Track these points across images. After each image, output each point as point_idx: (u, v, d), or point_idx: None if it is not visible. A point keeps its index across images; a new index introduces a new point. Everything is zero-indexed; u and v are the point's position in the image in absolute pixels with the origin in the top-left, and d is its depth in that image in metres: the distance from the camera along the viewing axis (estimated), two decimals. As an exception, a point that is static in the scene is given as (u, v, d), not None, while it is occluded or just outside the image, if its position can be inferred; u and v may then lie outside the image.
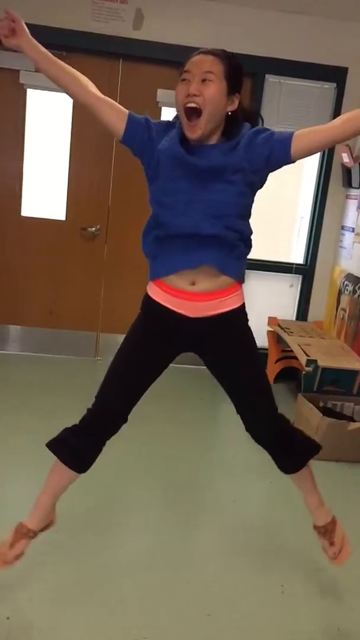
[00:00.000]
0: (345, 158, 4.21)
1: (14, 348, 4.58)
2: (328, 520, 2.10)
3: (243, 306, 1.91)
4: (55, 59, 1.73)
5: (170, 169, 1.72)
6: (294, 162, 1.74)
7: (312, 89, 4.27)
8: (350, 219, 4.36)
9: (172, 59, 4.12)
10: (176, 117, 1.77)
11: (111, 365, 1.91)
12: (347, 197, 4.41)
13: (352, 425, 3.25)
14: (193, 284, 1.79)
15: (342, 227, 4.45)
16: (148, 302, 1.86)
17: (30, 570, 2.14)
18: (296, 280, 4.66)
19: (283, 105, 4.27)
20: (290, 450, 2.01)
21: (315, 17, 4.08)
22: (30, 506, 2.62)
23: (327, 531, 2.08)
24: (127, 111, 1.78)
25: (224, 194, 1.70)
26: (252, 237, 1.87)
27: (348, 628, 2.04)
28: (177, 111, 1.71)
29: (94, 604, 2.01)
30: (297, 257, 4.67)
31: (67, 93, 1.76)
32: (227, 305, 1.84)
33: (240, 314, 1.89)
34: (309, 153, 1.75)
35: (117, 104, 1.79)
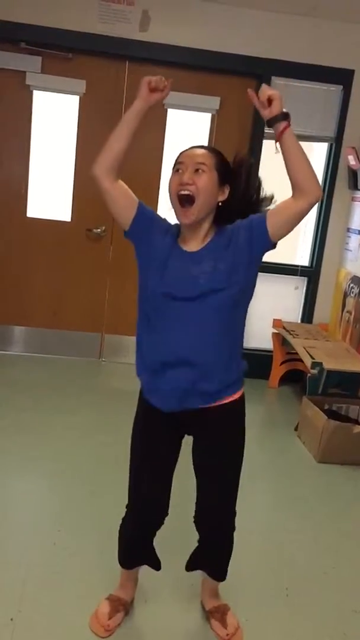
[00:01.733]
0: (352, 160, 4.20)
1: (18, 349, 4.58)
2: (220, 603, 2.04)
3: (241, 398, 1.85)
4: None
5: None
6: (274, 241, 1.74)
7: (318, 91, 4.26)
8: (356, 222, 4.35)
9: (178, 60, 4.14)
10: (176, 224, 1.80)
11: (130, 465, 1.90)
12: (353, 199, 4.40)
13: (357, 428, 3.24)
14: None
15: (348, 230, 4.44)
16: (141, 393, 1.87)
17: (34, 571, 2.14)
18: (301, 283, 4.65)
19: (289, 107, 4.12)
20: (212, 559, 1.98)
21: (321, 19, 4.07)
22: (37, 506, 2.62)
23: (218, 612, 2.00)
24: (137, 203, 1.81)
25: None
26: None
27: (355, 632, 2.03)
28: (171, 200, 1.74)
29: (97, 605, 2.00)
30: (303, 259, 4.66)
31: (114, 148, 1.76)
32: (223, 398, 1.80)
33: (236, 406, 1.84)
34: (290, 226, 1.73)
35: (129, 191, 1.82)
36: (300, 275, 4.59)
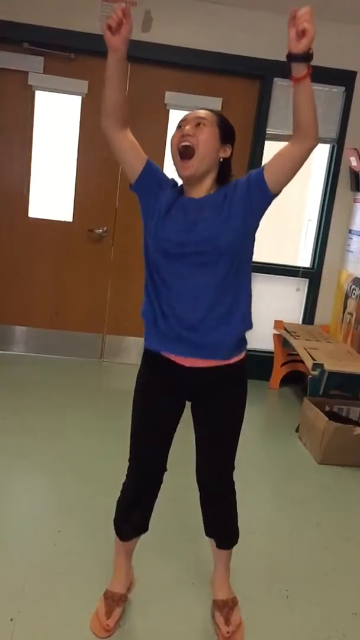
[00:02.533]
0: (353, 162, 4.20)
1: (20, 349, 4.58)
2: (230, 596, 2.05)
3: (242, 361, 1.86)
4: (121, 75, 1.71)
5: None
6: (274, 192, 1.72)
7: (320, 93, 4.26)
8: (357, 223, 4.35)
9: (180, 61, 4.14)
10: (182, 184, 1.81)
11: (132, 426, 1.92)
12: (355, 200, 4.40)
13: (358, 430, 3.23)
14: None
15: (350, 231, 4.44)
16: (146, 351, 1.89)
17: (34, 571, 2.14)
18: (303, 284, 4.65)
19: (290, 110, 4.25)
20: (213, 522, 2.01)
21: (324, 20, 4.07)
22: (38, 506, 2.62)
23: (226, 607, 2.00)
24: (146, 158, 1.82)
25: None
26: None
27: (354, 633, 2.02)
28: (172, 154, 1.77)
29: (97, 605, 2.00)
30: (304, 260, 4.66)
31: (107, 99, 1.72)
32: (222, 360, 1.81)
33: (237, 369, 1.84)
34: (286, 175, 1.70)
35: (138, 145, 1.81)
36: (302, 277, 4.59)
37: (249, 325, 1.85)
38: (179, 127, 1.77)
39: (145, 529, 2.02)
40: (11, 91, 4.20)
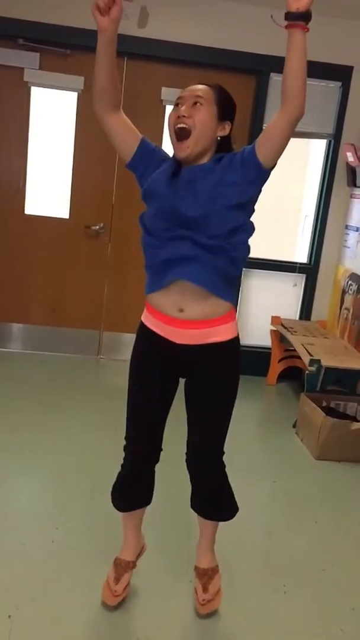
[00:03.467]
0: (350, 157, 4.20)
1: (17, 346, 4.58)
2: (211, 565, 2.07)
3: (233, 340, 1.85)
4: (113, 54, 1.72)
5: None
6: (267, 166, 1.71)
7: (317, 88, 4.25)
8: (354, 219, 4.35)
9: (176, 57, 4.13)
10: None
11: (127, 404, 1.95)
12: (352, 196, 4.40)
13: (355, 425, 3.24)
14: (181, 310, 1.78)
15: (347, 227, 4.44)
16: (140, 327, 1.91)
17: (32, 568, 2.14)
18: (300, 280, 4.65)
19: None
20: (205, 499, 2.01)
21: (320, 16, 4.02)
22: (36, 503, 2.63)
23: (205, 575, 2.04)
24: (140, 137, 1.81)
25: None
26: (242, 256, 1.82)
27: (351, 629, 2.03)
28: (169, 133, 1.76)
29: (96, 603, 2.00)
30: (301, 256, 4.66)
31: (98, 82, 1.73)
32: (214, 336, 1.81)
33: (229, 348, 1.84)
34: (276, 146, 1.68)
35: (131, 125, 1.81)
36: (299, 272, 4.59)
37: (235, 292, 1.86)
38: (176, 104, 1.75)
39: (146, 502, 2.05)
40: (7, 88, 4.18)
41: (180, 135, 1.71)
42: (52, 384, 4.02)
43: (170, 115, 1.75)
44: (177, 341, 1.80)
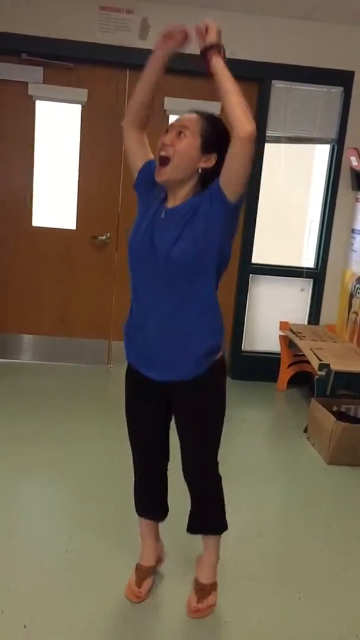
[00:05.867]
0: (354, 161, 4.21)
1: (27, 357, 4.60)
2: (209, 581, 2.10)
3: (214, 366, 1.85)
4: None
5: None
6: (233, 198, 1.69)
7: (319, 94, 4.27)
8: (360, 222, 4.36)
9: (178, 67, 4.10)
10: None
11: (128, 432, 2.05)
12: (357, 200, 4.40)
13: (367, 429, 3.23)
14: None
15: (353, 231, 4.44)
16: (127, 365, 1.98)
17: (47, 578, 2.15)
18: (307, 284, 4.65)
19: (290, 110, 4.28)
20: (197, 517, 2.06)
21: (321, 21, 4.09)
22: (49, 514, 2.64)
23: (203, 590, 2.07)
24: (148, 159, 1.89)
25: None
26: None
27: (366, 633, 2.02)
28: (155, 157, 1.81)
29: (109, 611, 2.01)
30: (308, 261, 4.66)
31: (136, 101, 1.87)
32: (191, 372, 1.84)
33: (210, 374, 1.85)
34: (235, 176, 1.67)
35: (149, 149, 1.91)
36: (306, 277, 4.59)
37: (217, 338, 1.85)
38: (166, 130, 1.80)
39: (157, 517, 2.14)
40: (12, 102, 4.23)
41: (161, 161, 1.75)
42: (62, 394, 4.03)
43: (159, 140, 1.79)
44: (155, 377, 1.87)
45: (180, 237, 1.72)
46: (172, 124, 1.80)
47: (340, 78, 4.25)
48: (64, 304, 4.56)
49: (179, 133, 1.75)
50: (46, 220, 4.45)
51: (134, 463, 2.07)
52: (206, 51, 1.70)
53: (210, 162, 1.76)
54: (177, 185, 1.78)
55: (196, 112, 1.81)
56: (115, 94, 4.23)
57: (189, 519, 2.07)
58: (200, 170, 1.77)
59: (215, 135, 1.76)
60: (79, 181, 4.39)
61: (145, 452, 2.04)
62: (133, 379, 1.95)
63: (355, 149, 4.16)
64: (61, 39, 4.03)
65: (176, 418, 1.96)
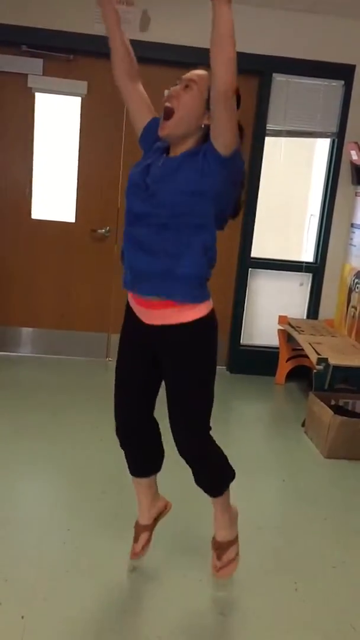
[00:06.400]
0: (354, 155, 4.20)
1: (26, 350, 4.61)
2: (224, 539, 2.12)
3: (200, 321, 1.84)
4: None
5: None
6: (224, 151, 1.67)
7: (319, 87, 4.26)
8: (359, 217, 4.35)
9: (179, 60, 4.12)
10: None
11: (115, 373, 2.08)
12: (357, 194, 4.40)
13: (364, 423, 3.24)
14: None
15: (352, 225, 4.44)
16: (127, 305, 1.99)
17: (44, 570, 2.16)
18: (306, 279, 4.65)
19: (291, 103, 4.27)
20: (200, 476, 2.04)
21: (322, 15, 4.07)
22: (47, 506, 2.65)
23: (219, 548, 2.11)
24: (152, 116, 1.92)
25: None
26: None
27: (362, 626, 2.04)
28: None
29: (107, 603, 2.02)
30: (307, 255, 4.66)
31: (115, 56, 1.97)
32: (177, 317, 1.82)
33: (194, 328, 1.84)
34: (220, 124, 1.64)
35: (148, 102, 1.96)
36: (305, 272, 4.60)
37: (204, 271, 1.82)
38: (175, 83, 1.79)
39: (144, 473, 2.13)
40: (11, 94, 4.22)
41: (165, 113, 1.75)
42: (61, 387, 4.04)
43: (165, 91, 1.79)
44: (145, 321, 1.87)
45: (171, 181, 1.73)
46: (181, 77, 1.78)
47: (341, 72, 4.24)
48: (64, 297, 4.56)
49: (186, 86, 1.74)
50: (46, 213, 4.44)
51: (115, 413, 2.09)
52: None
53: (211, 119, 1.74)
54: (180, 141, 1.77)
55: (207, 67, 1.75)
56: (115, 86, 4.19)
57: (198, 479, 2.05)
58: (203, 126, 1.75)
59: None
60: (78, 174, 4.38)
61: (126, 390, 2.04)
62: (126, 319, 1.96)
63: (356, 143, 4.15)
64: (61, 31, 4.01)
65: (163, 371, 1.93)
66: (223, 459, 2.05)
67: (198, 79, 1.75)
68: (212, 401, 1.94)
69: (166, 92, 1.78)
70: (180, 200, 1.72)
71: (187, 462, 1.98)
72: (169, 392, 1.93)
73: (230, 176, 1.75)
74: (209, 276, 1.86)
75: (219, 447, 2.02)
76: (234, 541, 2.14)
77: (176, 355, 1.88)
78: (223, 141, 1.67)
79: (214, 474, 2.04)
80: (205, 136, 1.76)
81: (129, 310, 1.96)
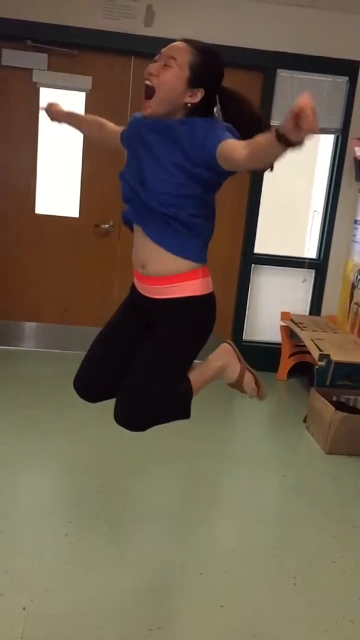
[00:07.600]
0: (358, 152, 4.20)
1: (30, 345, 4.63)
2: (233, 379, 2.08)
3: (195, 298, 1.80)
4: (77, 114, 2.21)
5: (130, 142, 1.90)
6: (218, 164, 1.62)
7: (324, 83, 4.25)
8: (363, 213, 4.35)
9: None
10: None
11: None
12: (360, 191, 4.40)
13: (366, 420, 3.25)
14: (143, 267, 1.86)
15: (355, 222, 4.43)
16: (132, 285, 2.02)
17: (46, 561, 2.18)
18: (309, 275, 4.65)
19: (295, 99, 4.24)
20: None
21: (326, 10, 4.06)
22: (49, 498, 2.67)
23: (237, 384, 2.08)
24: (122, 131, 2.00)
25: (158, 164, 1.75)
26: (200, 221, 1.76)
27: (360, 620, 2.05)
28: None
29: (108, 595, 2.04)
30: (310, 251, 4.66)
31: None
32: (172, 292, 1.81)
33: (189, 304, 1.81)
34: (227, 163, 1.60)
35: (115, 129, 2.09)
36: (308, 268, 4.60)
37: (198, 251, 1.81)
38: (154, 60, 1.72)
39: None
40: (16, 88, 4.22)
41: (145, 92, 1.69)
42: (63, 382, 4.01)
43: (146, 69, 1.73)
44: (143, 293, 1.89)
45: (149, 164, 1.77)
46: (160, 53, 1.71)
47: (346, 68, 4.23)
48: (67, 291, 4.58)
49: (165, 65, 1.68)
50: (49, 207, 4.46)
51: (85, 359, 2.13)
52: (289, 145, 1.44)
53: (195, 97, 1.69)
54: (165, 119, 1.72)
55: (186, 40, 1.72)
56: (120, 81, 4.22)
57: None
58: (190, 105, 1.70)
59: (206, 69, 1.70)
60: (82, 169, 4.39)
61: (106, 342, 2.06)
62: (131, 289, 2.00)
63: (360, 139, 4.15)
64: (66, 26, 4.01)
65: (145, 339, 1.88)
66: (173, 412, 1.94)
67: (177, 55, 1.68)
68: (175, 380, 1.85)
69: (146, 71, 1.73)
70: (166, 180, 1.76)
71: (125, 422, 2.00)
72: (141, 348, 1.84)
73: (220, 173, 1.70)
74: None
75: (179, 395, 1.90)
76: (242, 373, 2.10)
77: (164, 323, 1.83)
78: (227, 167, 1.63)
79: (172, 403, 1.92)
80: (191, 112, 1.71)
81: (133, 283, 1.99)
